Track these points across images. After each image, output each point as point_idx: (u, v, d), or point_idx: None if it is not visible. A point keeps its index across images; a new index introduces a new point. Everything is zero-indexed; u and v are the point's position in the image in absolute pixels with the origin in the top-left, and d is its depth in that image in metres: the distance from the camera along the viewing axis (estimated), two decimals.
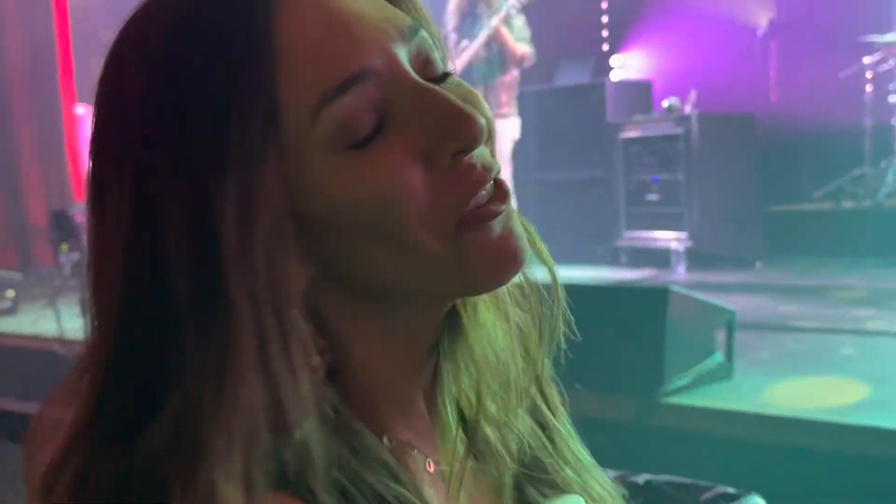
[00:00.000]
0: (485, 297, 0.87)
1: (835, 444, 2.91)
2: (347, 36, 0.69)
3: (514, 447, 0.91)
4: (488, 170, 0.72)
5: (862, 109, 7.44)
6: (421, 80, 0.71)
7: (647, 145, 6.79)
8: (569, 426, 1.01)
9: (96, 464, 0.67)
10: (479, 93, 0.77)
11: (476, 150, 0.71)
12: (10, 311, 5.58)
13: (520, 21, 6.25)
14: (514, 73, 6.36)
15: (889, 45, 7.29)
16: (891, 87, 7.29)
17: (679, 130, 6.64)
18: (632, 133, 6.91)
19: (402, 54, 0.71)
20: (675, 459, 3.02)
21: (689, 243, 6.52)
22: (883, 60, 7.32)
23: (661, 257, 6.65)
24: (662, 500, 1.89)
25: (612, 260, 6.93)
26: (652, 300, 3.29)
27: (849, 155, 7.43)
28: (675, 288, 3.33)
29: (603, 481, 0.97)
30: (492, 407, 0.89)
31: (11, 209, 7.40)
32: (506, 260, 0.74)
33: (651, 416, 3.16)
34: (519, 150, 6.62)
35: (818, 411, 3.07)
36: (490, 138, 0.75)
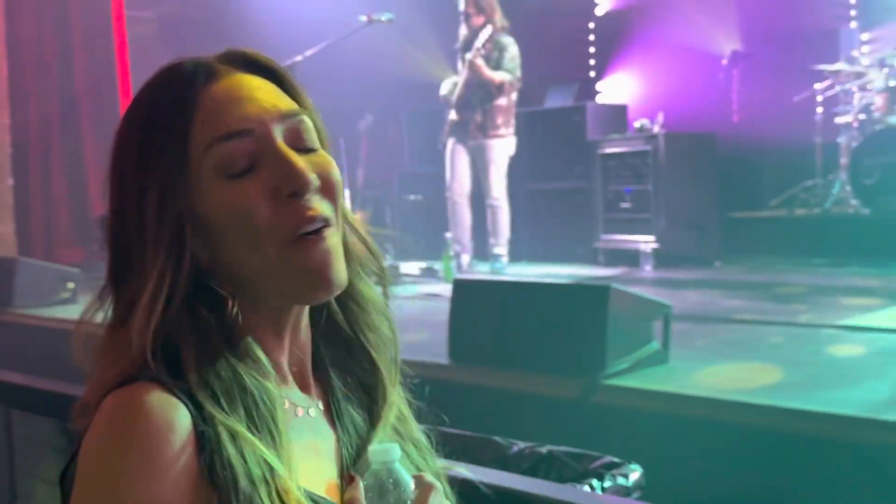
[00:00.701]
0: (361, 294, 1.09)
1: (748, 421, 2.91)
2: (240, 108, 0.94)
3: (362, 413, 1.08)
4: (315, 214, 0.93)
5: (813, 129, 7.43)
6: (282, 146, 0.94)
7: (621, 160, 6.79)
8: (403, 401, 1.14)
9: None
10: (330, 163, 0.99)
11: (309, 196, 0.93)
12: (70, 301, 5.64)
13: (514, 50, 6.27)
14: (511, 98, 6.38)
15: (836, 73, 7.28)
16: (837, 109, 7.26)
17: (648, 147, 6.63)
18: (608, 149, 6.91)
19: (277, 127, 0.95)
20: (614, 433, 3.02)
21: (656, 245, 6.50)
22: (831, 87, 7.32)
23: (632, 257, 6.63)
24: (561, 467, 1.93)
25: (591, 259, 6.91)
26: (596, 296, 3.29)
27: (801, 168, 7.43)
28: (615, 286, 3.32)
29: (422, 444, 1.12)
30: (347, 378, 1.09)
31: (80, 213, 7.39)
32: (318, 284, 0.94)
33: (594, 395, 3.15)
34: (513, 163, 6.65)
35: (736, 392, 3.06)
36: (330, 193, 0.97)
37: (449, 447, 2.09)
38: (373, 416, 1.06)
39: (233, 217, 0.92)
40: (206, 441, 0.84)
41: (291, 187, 0.91)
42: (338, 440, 1.02)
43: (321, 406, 1.04)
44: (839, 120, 7.20)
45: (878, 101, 6.81)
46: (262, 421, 0.90)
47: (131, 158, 0.96)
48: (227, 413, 0.88)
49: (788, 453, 2.80)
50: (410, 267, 6.95)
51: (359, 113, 8.25)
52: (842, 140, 7.11)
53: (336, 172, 0.98)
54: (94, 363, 0.95)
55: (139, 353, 0.88)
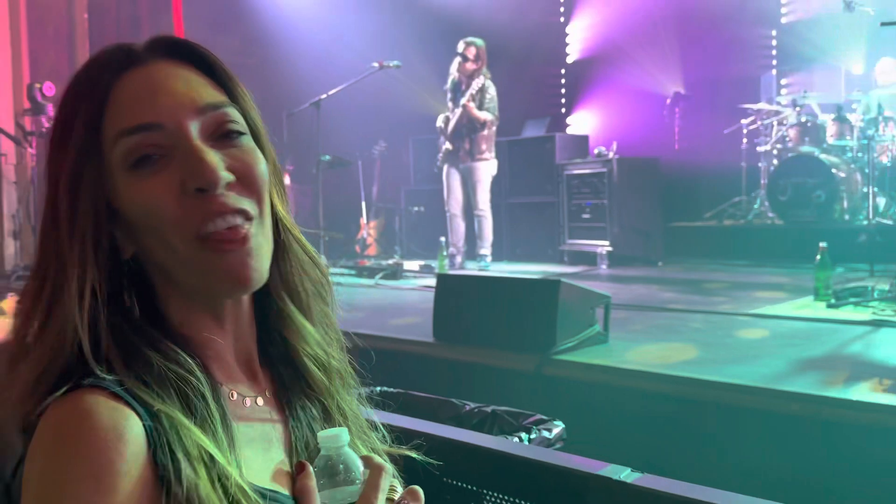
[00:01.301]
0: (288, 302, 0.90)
1: (668, 389, 2.92)
2: (152, 101, 0.77)
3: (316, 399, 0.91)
4: (224, 208, 0.76)
5: (739, 156, 7.44)
6: (193, 140, 0.77)
7: (582, 179, 6.80)
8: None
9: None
10: (252, 157, 0.81)
11: (220, 192, 0.76)
12: None
13: (492, 91, 6.29)
14: (492, 130, 6.40)
15: (758, 110, 7.33)
16: (759, 140, 7.29)
17: (605, 169, 6.63)
18: (573, 171, 6.91)
19: (193, 121, 0.77)
20: (561, 398, 3.04)
21: (610, 248, 6.50)
22: (754, 122, 7.37)
23: (591, 258, 6.62)
24: (502, 423, 1.94)
25: (558, 259, 6.92)
26: (549, 288, 3.31)
27: (729, 187, 7.45)
28: (564, 280, 3.33)
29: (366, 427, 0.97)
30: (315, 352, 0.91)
31: None
32: (234, 281, 0.78)
33: (546, 367, 3.17)
34: (495, 182, 6.68)
35: (660, 366, 3.07)
36: (251, 188, 0.80)
37: (416, 407, 2.12)
38: (321, 403, 0.91)
39: (142, 211, 0.76)
40: (153, 438, 0.69)
41: (198, 182, 0.75)
42: (286, 428, 0.86)
43: (269, 395, 0.87)
44: (760, 148, 7.24)
45: (791, 133, 6.85)
46: (197, 410, 0.74)
47: (50, 149, 0.80)
48: (163, 402, 0.73)
49: (700, 416, 2.81)
50: (412, 264, 6.94)
51: (374, 140, 8.27)
52: (762, 165, 7.15)
53: (260, 166, 0.81)
54: (14, 363, 0.76)
55: (71, 349, 0.73)
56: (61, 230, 0.76)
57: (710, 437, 2.74)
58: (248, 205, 0.78)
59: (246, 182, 0.79)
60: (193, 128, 0.77)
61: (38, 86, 6.23)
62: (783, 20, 8.54)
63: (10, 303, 3.04)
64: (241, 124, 0.81)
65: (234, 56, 9.65)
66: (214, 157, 0.76)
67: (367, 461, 0.82)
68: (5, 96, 6.30)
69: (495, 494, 1.44)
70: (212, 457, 0.71)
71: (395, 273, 6.40)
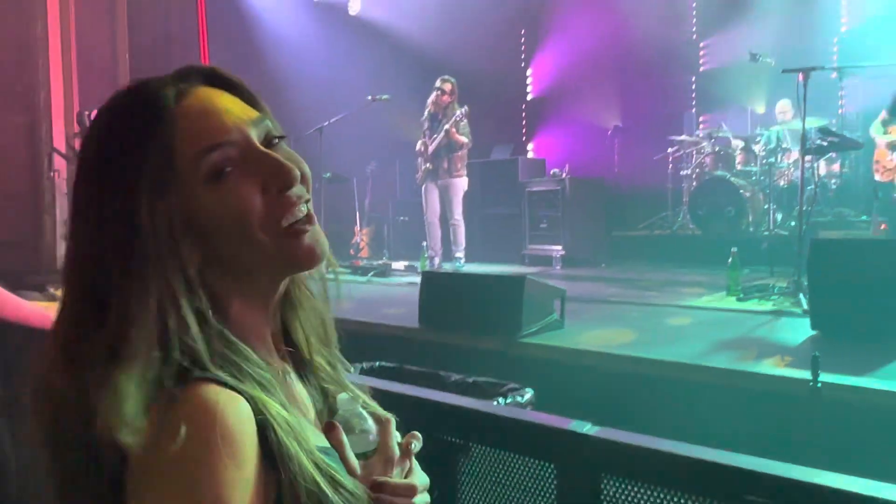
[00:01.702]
0: (302, 286, 0.86)
1: (611, 365, 2.98)
2: (217, 122, 0.72)
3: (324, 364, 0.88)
4: (300, 199, 0.74)
5: (666, 178, 7.53)
6: (260, 147, 0.73)
7: (541, 195, 6.82)
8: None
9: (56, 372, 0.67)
10: (296, 156, 0.77)
11: (295, 188, 0.74)
12: None
13: (464, 122, 6.31)
14: (465, 152, 6.40)
15: (681, 141, 7.38)
16: (682, 165, 7.36)
17: (559, 187, 6.66)
18: (533, 188, 6.93)
19: (252, 131, 0.74)
20: (527, 373, 3.04)
21: (563, 252, 6.53)
22: (678, 150, 7.43)
23: (547, 260, 6.64)
24: (482, 391, 1.97)
25: (520, 261, 6.92)
26: (516, 283, 3.34)
27: (658, 203, 7.53)
28: (528, 276, 3.39)
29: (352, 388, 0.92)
30: (314, 342, 0.87)
31: None
32: (311, 257, 0.76)
33: (513, 348, 3.20)
34: (468, 196, 6.66)
35: (605, 346, 3.13)
36: (305, 181, 0.77)
37: (409, 378, 2.15)
38: (325, 347, 0.89)
39: (228, 214, 0.71)
40: (262, 424, 0.67)
41: (281, 183, 0.73)
42: (309, 386, 0.85)
43: (290, 367, 0.84)
44: (683, 172, 7.30)
45: (708, 160, 6.94)
46: (277, 394, 0.72)
47: (114, 174, 0.70)
48: (260, 391, 0.70)
49: (638, 385, 2.86)
50: (399, 264, 6.96)
51: (367, 161, 8.25)
52: (684, 185, 7.22)
53: (304, 163, 0.79)
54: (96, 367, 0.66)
55: (164, 351, 0.66)
56: (141, 247, 0.68)
57: (646, 402, 2.78)
58: (307, 194, 0.78)
59: (303, 177, 0.77)
60: (255, 137, 0.74)
61: (86, 112, 6.17)
62: (701, 69, 8.66)
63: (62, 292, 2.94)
64: (278, 132, 0.79)
65: (255, 86, 9.60)
66: (286, 161, 0.74)
67: (374, 417, 0.82)
68: (59, 122, 6.20)
69: (479, 446, 1.46)
70: (294, 429, 0.70)
71: (385, 271, 6.41)
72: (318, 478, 0.69)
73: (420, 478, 0.83)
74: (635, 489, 1.22)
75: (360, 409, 0.82)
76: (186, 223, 0.70)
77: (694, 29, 8.74)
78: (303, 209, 0.75)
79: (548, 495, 1.33)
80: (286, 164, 0.74)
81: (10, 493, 2.37)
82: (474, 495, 1.47)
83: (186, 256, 0.70)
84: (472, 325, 3.38)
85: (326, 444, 0.77)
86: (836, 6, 7.85)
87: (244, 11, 8.97)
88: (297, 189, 0.75)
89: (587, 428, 1.31)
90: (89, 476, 0.66)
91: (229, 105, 0.75)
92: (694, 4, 8.68)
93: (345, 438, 0.78)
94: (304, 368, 0.86)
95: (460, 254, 6.47)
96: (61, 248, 6.22)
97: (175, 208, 0.69)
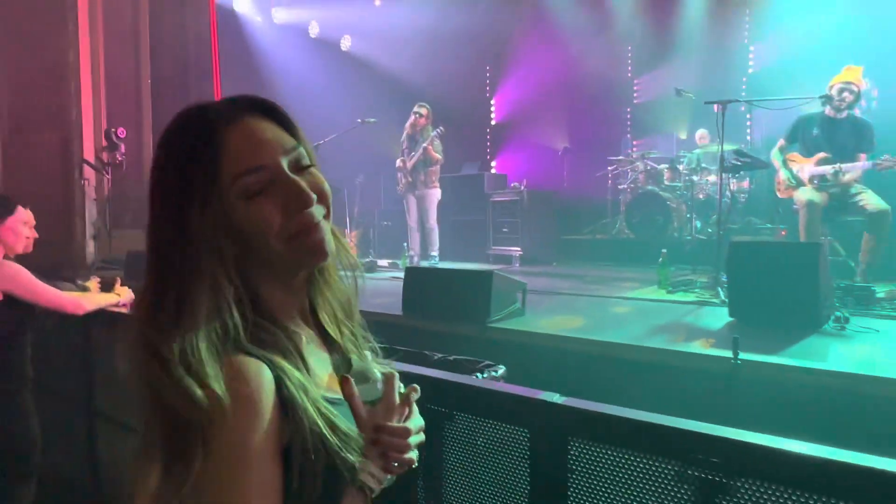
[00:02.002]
0: (331, 272, 0.90)
1: (564, 346, 2.94)
2: (255, 150, 0.75)
3: (348, 338, 0.91)
4: (313, 217, 0.77)
5: (606, 191, 7.55)
6: (289, 174, 0.76)
7: (503, 205, 6.80)
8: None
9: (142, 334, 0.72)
10: (321, 181, 0.80)
11: (310, 209, 0.77)
12: None
13: (438, 142, 6.27)
14: (438, 167, 6.37)
15: (619, 161, 7.41)
16: (619, 181, 7.39)
17: (518, 198, 6.65)
18: (496, 198, 6.90)
19: (284, 159, 0.77)
20: (494, 351, 2.99)
21: (521, 252, 6.52)
22: (616, 169, 7.45)
23: (507, 259, 6.63)
24: (462, 367, 1.93)
25: (485, 260, 6.88)
26: (485, 277, 3.30)
27: (599, 212, 7.55)
28: (497, 272, 3.35)
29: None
30: (340, 316, 0.91)
31: None
32: (318, 252, 0.79)
33: (483, 332, 3.17)
34: (441, 205, 6.56)
35: (560, 330, 3.09)
36: (324, 199, 0.80)
37: (397, 357, 2.10)
38: (350, 336, 0.92)
39: (254, 226, 0.75)
40: (282, 388, 0.72)
41: (300, 205, 0.76)
42: (329, 354, 0.88)
43: (315, 334, 0.88)
44: (620, 186, 7.32)
45: (640, 177, 6.96)
46: (288, 357, 0.77)
47: (173, 184, 0.75)
48: (280, 357, 0.75)
49: (588, 363, 2.84)
50: (383, 262, 6.89)
51: (356, 174, 8.16)
52: (621, 197, 7.23)
53: (326, 185, 0.81)
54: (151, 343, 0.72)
55: (215, 327, 0.72)
56: (191, 241, 0.73)
57: (596, 376, 2.78)
58: (321, 213, 0.79)
59: (321, 198, 0.79)
60: (285, 164, 0.77)
61: (113, 130, 6.00)
62: (635, 101, 8.75)
63: (94, 284, 2.86)
64: (308, 158, 0.80)
65: None
66: (306, 186, 0.77)
67: (383, 374, 0.85)
68: (88, 138, 6.02)
69: (462, 414, 1.44)
70: (304, 385, 0.75)
71: (371, 268, 6.34)
72: (320, 422, 0.74)
73: (415, 421, 0.84)
74: (597, 449, 1.21)
75: (372, 366, 0.88)
76: (225, 227, 0.74)
77: (629, 69, 8.84)
78: (317, 227, 0.78)
79: (522, 456, 1.31)
80: (304, 191, 0.76)
81: (35, 461, 2.29)
82: (458, 457, 1.44)
83: (226, 252, 0.75)
84: (448, 313, 3.35)
85: (338, 396, 0.81)
86: (745, 53, 8.02)
87: (251, 44, 8.84)
88: (312, 210, 0.77)
89: (556, 398, 1.29)
90: (166, 415, 0.70)
91: (269, 135, 0.77)
92: (629, 48, 8.77)
93: (355, 389, 0.81)
94: (328, 337, 0.89)
95: (435, 253, 6.43)
96: (90, 247, 6.04)
97: (217, 215, 0.73)
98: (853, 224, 4.18)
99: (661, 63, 8.28)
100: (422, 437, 0.85)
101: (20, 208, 2.39)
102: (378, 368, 0.89)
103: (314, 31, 9.25)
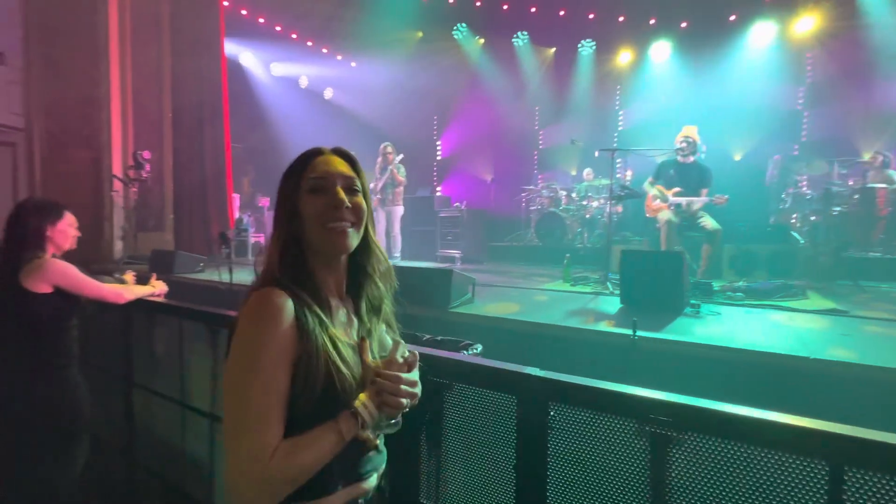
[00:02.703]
0: (373, 259, 0.94)
1: (506, 325, 2.91)
2: (326, 168, 0.88)
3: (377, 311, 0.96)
4: (343, 217, 0.86)
5: (522, 210, 7.57)
6: (338, 187, 0.87)
7: (447, 219, 6.71)
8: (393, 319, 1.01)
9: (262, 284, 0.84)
10: (361, 202, 0.89)
11: (343, 211, 0.86)
12: (201, 272, 5.05)
13: (403, 167, 6.15)
14: (401, 188, 6.24)
15: (530, 189, 7.46)
16: (531, 204, 7.43)
17: (459, 215, 6.60)
18: (442, 214, 6.82)
19: (339, 181, 0.88)
20: (455, 331, 2.93)
21: (461, 254, 6.47)
22: (528, 194, 7.48)
23: (451, 259, 6.54)
24: (448, 345, 1.85)
25: (435, 260, 6.72)
26: (446, 273, 3.24)
27: (517, 226, 7.57)
28: (455, 269, 3.29)
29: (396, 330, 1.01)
30: (375, 294, 0.95)
31: (205, 231, 6.46)
32: (340, 248, 0.87)
33: (445, 316, 3.09)
34: (403, 218, 6.36)
35: (501, 314, 3.05)
36: (356, 212, 0.88)
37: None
38: (376, 313, 0.95)
39: (307, 209, 0.86)
40: (299, 316, 0.79)
41: (336, 205, 0.86)
42: (358, 323, 0.91)
43: (348, 308, 0.92)
44: (532, 207, 7.38)
45: (545, 201, 7.06)
46: (323, 304, 0.84)
47: (283, 182, 0.89)
48: (309, 300, 0.82)
49: (523, 340, 2.81)
50: None
51: None
52: (532, 216, 7.29)
53: (363, 205, 0.89)
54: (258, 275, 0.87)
55: (272, 270, 0.83)
56: (282, 215, 0.87)
57: (532, 350, 2.75)
58: (352, 218, 0.87)
59: (354, 211, 0.88)
60: (339, 184, 0.88)
61: (139, 152, 5.47)
62: (540, 146, 8.99)
63: (130, 277, 2.58)
64: (359, 188, 0.90)
65: (256, 143, 8.97)
66: (345, 197, 0.87)
67: (394, 342, 0.88)
68: (117, 157, 5.49)
69: (460, 384, 1.36)
70: (322, 320, 0.82)
71: None
72: (328, 344, 0.79)
73: (411, 376, 0.83)
74: (572, 412, 1.16)
75: (384, 334, 0.94)
76: (298, 207, 0.87)
77: (537, 122, 9.06)
78: (344, 225, 0.86)
79: (511, 417, 1.25)
80: (342, 199, 0.86)
81: (86, 422, 2.08)
82: (456, 417, 1.36)
83: (296, 224, 0.86)
84: (416, 301, 3.25)
85: (353, 343, 0.86)
86: (616, 115, 8.40)
87: (254, 90, 8.37)
88: (342, 212, 0.86)
89: (536, 371, 1.24)
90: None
91: (337, 165, 0.89)
92: (537, 108, 8.99)
93: (368, 346, 0.84)
94: (360, 309, 0.93)
95: (398, 254, 6.28)
96: (117, 246, 5.48)
97: (297, 199, 0.87)
98: (696, 238, 4.42)
99: (559, 119, 8.53)
100: (415, 390, 0.83)
101: (67, 213, 2.12)
102: (392, 338, 0.94)
103: (304, 83, 8.88)
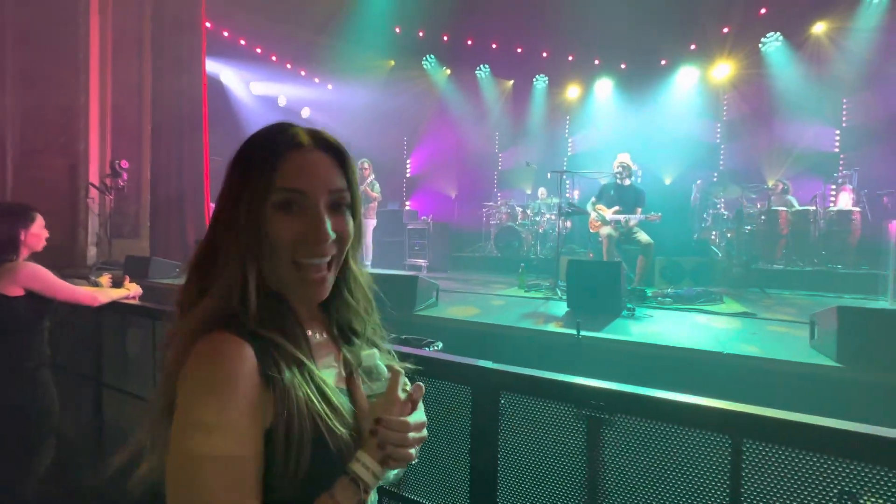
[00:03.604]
0: (353, 284, 0.70)
1: (465, 326, 2.92)
2: (305, 177, 0.60)
3: (361, 336, 0.71)
4: (322, 255, 0.61)
5: (482, 224, 7.61)
6: (321, 210, 0.60)
7: (415, 231, 6.68)
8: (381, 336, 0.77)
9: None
10: (347, 224, 0.63)
11: (324, 245, 0.60)
12: (178, 277, 4.77)
13: (377, 184, 6.11)
14: (374, 203, 6.18)
15: (490, 205, 7.54)
16: (491, 218, 7.48)
17: (426, 227, 6.55)
18: (411, 226, 6.78)
19: (323, 196, 0.60)
20: (420, 332, 2.92)
21: (427, 263, 6.43)
22: (488, 210, 7.55)
23: (418, 268, 6.49)
24: (412, 343, 1.86)
25: (403, 268, 6.65)
26: (412, 280, 3.23)
27: (478, 238, 7.61)
28: (421, 276, 3.30)
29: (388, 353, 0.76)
30: (358, 319, 0.71)
31: (183, 237, 6.10)
32: (311, 299, 0.63)
33: (411, 318, 3.06)
34: (375, 230, 6.38)
35: (462, 316, 3.06)
36: (341, 241, 0.62)
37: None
38: (362, 339, 0.71)
39: (274, 234, 0.59)
40: (266, 368, 0.55)
41: (315, 239, 0.60)
42: (339, 352, 0.67)
43: (326, 335, 0.67)
44: (491, 222, 7.44)
45: (504, 216, 7.14)
46: (293, 339, 0.60)
47: (236, 180, 0.60)
48: (280, 339, 0.58)
49: (481, 340, 2.83)
50: None
51: None
52: (492, 229, 7.34)
53: (349, 229, 0.62)
54: (180, 309, 0.60)
55: (223, 304, 0.57)
56: (237, 232, 0.58)
57: (489, 347, 2.77)
58: (333, 252, 0.62)
59: (339, 239, 0.62)
60: (323, 202, 0.60)
61: (117, 161, 5.19)
62: (499, 168, 9.15)
63: (105, 280, 2.45)
64: (348, 202, 0.63)
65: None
66: (329, 230, 0.60)
67: (389, 368, 0.67)
68: (94, 165, 5.18)
69: (420, 378, 1.36)
70: (303, 364, 0.58)
71: None
72: (312, 394, 0.56)
73: (417, 415, 0.63)
74: (520, 399, 1.20)
75: (379, 363, 0.69)
76: (261, 225, 0.59)
77: (496, 146, 9.22)
78: (322, 262, 0.61)
79: (466, 405, 1.27)
80: (324, 230, 0.60)
81: (54, 422, 1.94)
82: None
83: (256, 243, 0.59)
84: (384, 305, 3.23)
85: (344, 388, 0.64)
86: (566, 141, 8.70)
87: (234, 107, 8.12)
88: (323, 248, 0.60)
89: (489, 364, 1.27)
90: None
91: (322, 170, 0.61)
92: (497, 133, 9.17)
93: (360, 383, 0.65)
94: (346, 335, 0.70)
95: (368, 262, 6.20)
96: (91, 251, 5.15)
97: (259, 213, 0.59)
98: (633, 251, 4.62)
99: (516, 144, 8.74)
100: (423, 433, 0.62)
101: (38, 216, 2.01)
102: (386, 365, 0.69)
103: (282, 102, 8.71)
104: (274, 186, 0.59)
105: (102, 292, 2.21)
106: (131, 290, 2.36)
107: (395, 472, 0.63)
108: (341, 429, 0.58)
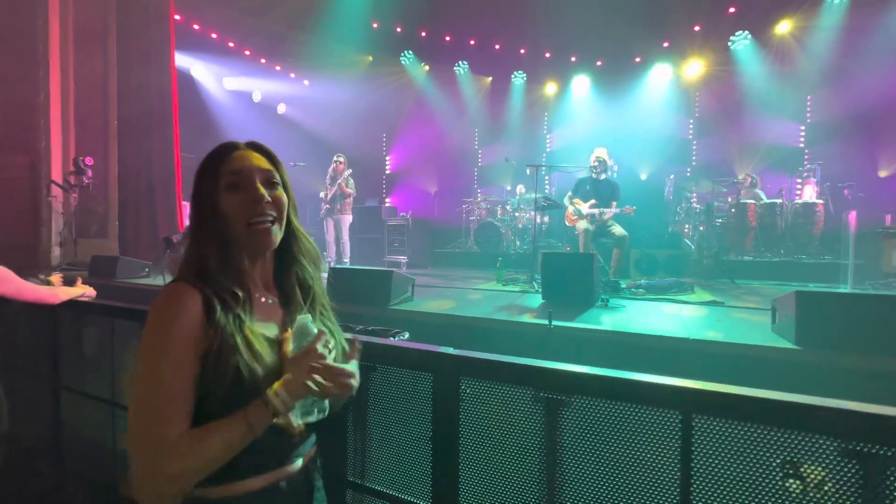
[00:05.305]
0: (301, 250, 0.89)
1: (442, 321, 2.92)
2: (242, 163, 0.84)
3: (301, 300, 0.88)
4: (263, 212, 0.82)
5: (462, 220, 7.64)
6: (256, 182, 0.83)
7: (394, 227, 6.64)
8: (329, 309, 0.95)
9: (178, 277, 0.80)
10: (281, 195, 0.85)
11: (263, 206, 0.81)
12: (147, 276, 4.64)
13: (352, 180, 6.04)
14: (350, 199, 6.11)
15: (470, 201, 7.56)
16: (470, 214, 7.50)
17: (405, 224, 6.55)
18: (390, 223, 6.74)
19: (257, 175, 0.83)
20: (394, 326, 2.93)
21: (406, 260, 6.41)
22: (468, 206, 7.57)
23: (397, 264, 6.45)
24: (379, 333, 1.85)
25: (382, 265, 6.62)
26: (386, 274, 3.21)
27: (458, 234, 7.62)
28: (396, 271, 3.28)
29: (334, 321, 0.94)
30: (306, 279, 0.90)
31: (154, 235, 5.86)
32: (262, 247, 0.83)
33: (386, 312, 3.06)
34: (352, 226, 6.26)
35: (438, 310, 3.07)
36: (277, 206, 0.83)
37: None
38: (305, 302, 0.88)
39: (227, 209, 0.81)
40: (210, 310, 0.74)
41: (255, 201, 0.82)
42: (283, 315, 0.85)
43: (275, 299, 0.87)
44: (471, 217, 7.46)
45: (483, 212, 7.16)
46: (244, 300, 0.79)
47: (198, 179, 0.83)
48: (226, 296, 0.77)
49: (457, 331, 2.84)
50: None
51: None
52: (471, 225, 7.36)
53: (283, 199, 0.84)
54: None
55: (186, 267, 0.79)
56: (203, 214, 0.81)
57: (464, 339, 2.79)
58: (273, 213, 0.83)
59: (275, 205, 0.84)
60: (258, 178, 0.83)
61: (81, 158, 5.00)
62: (479, 163, 9.16)
63: (56, 278, 2.36)
64: (278, 180, 0.86)
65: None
66: (264, 192, 0.83)
67: (318, 331, 0.81)
68: (57, 162, 4.99)
69: (383, 366, 1.36)
70: (238, 316, 0.77)
71: None
72: (240, 343, 0.74)
73: (350, 366, 0.82)
74: (479, 384, 1.20)
75: (308, 322, 0.81)
76: (217, 205, 0.82)
77: (476, 142, 9.24)
78: (265, 220, 0.82)
79: (427, 392, 1.26)
80: (261, 195, 0.82)
81: (3, 428, 1.85)
82: (380, 396, 1.35)
83: (217, 222, 0.81)
84: (362, 299, 3.20)
85: (270, 335, 0.80)
86: (544, 137, 8.77)
87: (206, 102, 7.91)
88: (263, 206, 0.82)
89: (450, 350, 1.27)
90: None
91: (254, 160, 0.84)
92: (476, 129, 9.18)
93: (289, 337, 0.79)
94: (291, 299, 0.88)
95: (347, 259, 6.12)
96: (55, 252, 4.95)
97: (215, 197, 0.82)
98: (608, 243, 4.69)
99: (495, 140, 8.77)
100: (351, 381, 0.80)
101: None
102: (318, 328, 0.82)
103: (257, 97, 8.52)
104: (221, 175, 0.82)
105: (62, 290, 2.14)
106: (87, 290, 2.28)
107: (316, 412, 0.79)
108: (257, 367, 0.76)
